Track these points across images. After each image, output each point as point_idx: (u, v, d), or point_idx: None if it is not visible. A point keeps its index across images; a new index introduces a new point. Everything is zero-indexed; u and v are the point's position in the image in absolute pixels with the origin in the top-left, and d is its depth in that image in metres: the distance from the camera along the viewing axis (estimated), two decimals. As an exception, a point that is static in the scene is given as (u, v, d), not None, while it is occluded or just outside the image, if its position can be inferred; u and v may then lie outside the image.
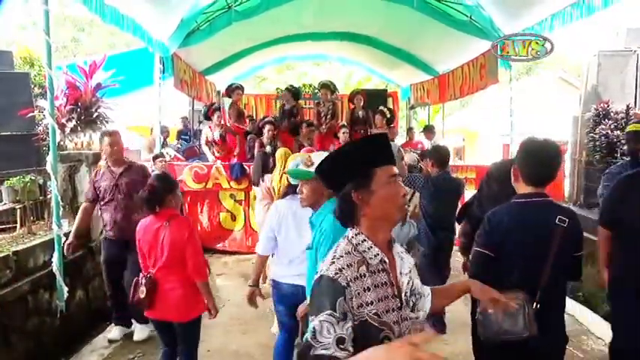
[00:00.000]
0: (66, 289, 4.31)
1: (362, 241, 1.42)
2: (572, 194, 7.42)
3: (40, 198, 5.27)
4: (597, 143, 6.27)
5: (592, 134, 6.40)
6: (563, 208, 2.26)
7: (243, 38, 9.14)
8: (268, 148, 6.85)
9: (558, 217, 2.13)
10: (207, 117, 7.91)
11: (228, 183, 7.33)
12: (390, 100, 11.63)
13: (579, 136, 7.22)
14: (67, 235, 4.38)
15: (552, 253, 2.11)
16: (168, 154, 7.67)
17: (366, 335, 1.31)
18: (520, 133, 6.92)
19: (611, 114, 6.33)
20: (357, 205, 1.43)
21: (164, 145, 8.17)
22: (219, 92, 10.87)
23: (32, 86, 7.34)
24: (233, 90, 8.20)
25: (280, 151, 4.67)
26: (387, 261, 1.43)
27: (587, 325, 4.76)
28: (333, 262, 1.37)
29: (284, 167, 4.13)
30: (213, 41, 7.55)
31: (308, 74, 22.76)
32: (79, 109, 6.29)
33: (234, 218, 7.54)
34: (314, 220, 2.28)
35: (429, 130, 9.91)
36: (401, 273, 1.48)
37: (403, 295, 1.46)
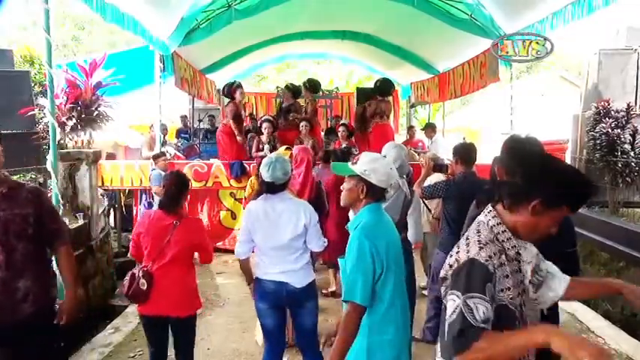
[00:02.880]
0: (66, 287, 4.31)
1: (502, 232, 1.55)
2: (573, 193, 7.41)
3: (41, 196, 5.27)
4: (597, 142, 6.28)
5: (592, 133, 6.41)
6: None
7: (243, 37, 9.14)
8: (267, 147, 6.84)
9: None
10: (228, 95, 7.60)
11: (229, 181, 7.34)
12: (390, 98, 11.62)
13: (580, 135, 7.22)
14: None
15: None
16: (168, 153, 7.67)
17: (503, 318, 1.45)
18: (521, 131, 6.91)
19: (612, 112, 6.34)
20: (524, 207, 1.51)
21: (164, 143, 8.16)
22: (219, 90, 10.88)
23: (32, 85, 7.36)
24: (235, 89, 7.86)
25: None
26: (521, 252, 1.56)
27: (587, 323, 4.76)
28: (482, 248, 1.49)
29: None
30: (213, 40, 7.54)
31: (308, 73, 22.73)
32: (79, 108, 6.32)
33: (234, 217, 7.55)
34: (350, 226, 2.29)
35: (429, 128, 9.89)
36: (524, 261, 1.60)
37: (527, 280, 1.59)
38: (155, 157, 6.58)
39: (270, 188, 2.95)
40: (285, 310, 3.08)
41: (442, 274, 1.57)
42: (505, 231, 1.55)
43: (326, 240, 3.15)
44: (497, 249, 1.51)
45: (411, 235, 3.89)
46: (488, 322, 1.39)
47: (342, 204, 2.38)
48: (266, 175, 2.93)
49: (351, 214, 2.48)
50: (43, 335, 2.24)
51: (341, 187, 2.39)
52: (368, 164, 2.26)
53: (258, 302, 3.02)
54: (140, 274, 2.93)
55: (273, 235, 2.92)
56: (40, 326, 2.21)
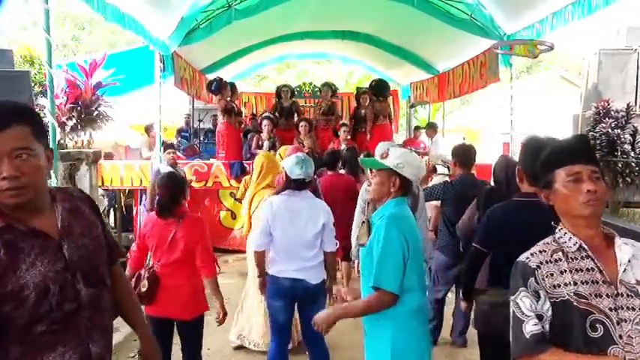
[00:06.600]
0: (66, 287, 4.31)
1: (563, 234, 1.55)
2: (573, 193, 7.41)
3: (41, 196, 5.28)
4: (597, 142, 6.27)
5: (592, 133, 6.40)
6: None
7: (243, 37, 9.14)
8: (266, 144, 6.84)
9: (554, 220, 2.14)
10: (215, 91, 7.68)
11: (229, 181, 7.33)
12: (390, 98, 11.60)
13: (580, 135, 7.21)
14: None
15: None
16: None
17: (567, 316, 1.42)
18: (520, 131, 6.91)
19: (612, 112, 6.34)
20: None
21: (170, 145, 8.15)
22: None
23: (32, 85, 7.34)
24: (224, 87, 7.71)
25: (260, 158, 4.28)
26: (586, 248, 1.49)
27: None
28: (529, 251, 1.55)
29: (262, 173, 4.03)
30: (213, 40, 7.54)
31: (308, 73, 22.74)
32: (79, 108, 6.32)
33: (234, 217, 7.55)
34: (373, 219, 2.24)
35: (431, 129, 9.89)
36: (620, 264, 1.48)
37: (619, 282, 1.45)
38: (165, 148, 6.52)
39: (298, 185, 3.03)
40: (294, 305, 3.14)
41: None
42: (566, 233, 1.54)
43: (337, 242, 3.22)
44: (550, 247, 1.54)
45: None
46: (541, 319, 1.43)
47: (370, 197, 2.42)
48: (298, 172, 2.99)
49: None
50: None
51: (369, 181, 2.38)
52: (400, 157, 2.21)
53: (271, 300, 3.08)
54: (144, 275, 2.91)
55: (294, 231, 2.99)
56: None
